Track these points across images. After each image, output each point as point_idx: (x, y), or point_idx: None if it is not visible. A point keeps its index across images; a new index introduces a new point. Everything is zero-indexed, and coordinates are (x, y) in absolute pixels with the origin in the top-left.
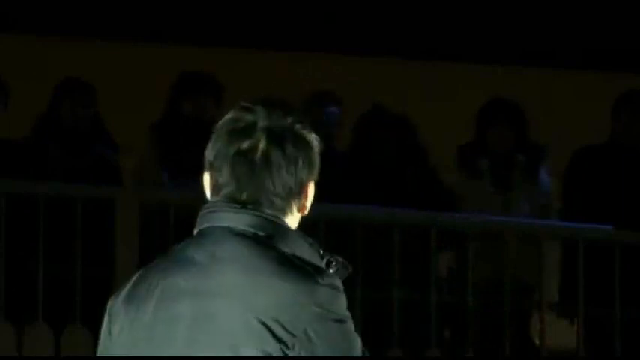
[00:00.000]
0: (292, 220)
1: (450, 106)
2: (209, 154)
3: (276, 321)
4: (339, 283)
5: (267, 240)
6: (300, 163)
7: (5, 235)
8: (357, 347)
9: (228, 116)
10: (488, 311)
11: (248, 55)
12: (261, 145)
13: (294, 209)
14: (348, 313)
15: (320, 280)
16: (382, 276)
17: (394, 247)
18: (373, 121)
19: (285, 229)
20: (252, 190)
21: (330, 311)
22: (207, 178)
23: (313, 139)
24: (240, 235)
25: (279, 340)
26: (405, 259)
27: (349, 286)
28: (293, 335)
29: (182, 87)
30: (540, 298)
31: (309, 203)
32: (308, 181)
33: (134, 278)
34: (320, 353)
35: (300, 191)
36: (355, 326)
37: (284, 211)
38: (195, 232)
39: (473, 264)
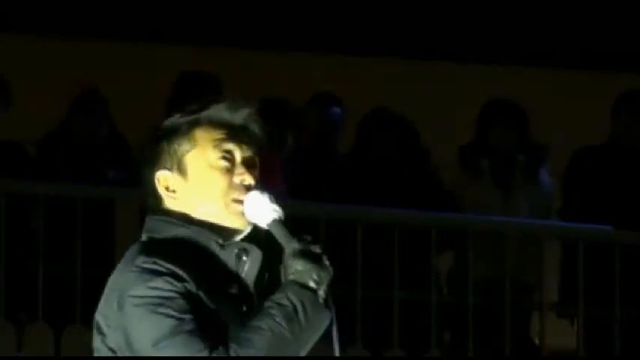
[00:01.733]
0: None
1: (450, 106)
2: None
3: (100, 313)
4: (156, 266)
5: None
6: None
7: (5, 235)
8: (160, 330)
9: None
10: (488, 311)
11: (248, 55)
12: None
13: (167, 200)
14: (159, 294)
15: (131, 267)
16: (382, 276)
17: (394, 247)
18: (375, 122)
19: (153, 220)
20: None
21: (131, 296)
22: None
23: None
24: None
25: (100, 332)
26: (405, 259)
27: (350, 286)
28: (108, 326)
29: (182, 87)
30: (540, 298)
31: (175, 188)
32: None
33: None
34: (131, 338)
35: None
36: (355, 326)
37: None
38: None
39: (473, 264)
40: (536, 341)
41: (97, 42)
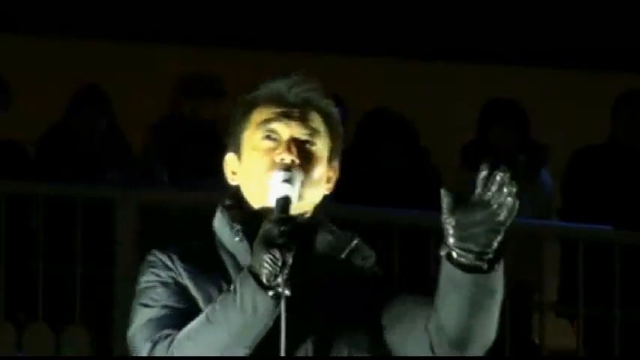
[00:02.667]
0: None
1: (450, 106)
2: None
3: None
4: (150, 257)
5: None
6: None
7: (5, 235)
8: (134, 318)
9: None
10: None
11: (248, 55)
12: None
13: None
14: (144, 286)
15: None
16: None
17: (394, 247)
18: (375, 122)
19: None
20: None
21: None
22: None
23: None
24: None
25: None
26: (404, 260)
27: None
28: None
29: (182, 87)
30: (540, 298)
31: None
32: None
33: None
34: None
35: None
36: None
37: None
38: None
39: None
40: (536, 341)
41: (97, 42)
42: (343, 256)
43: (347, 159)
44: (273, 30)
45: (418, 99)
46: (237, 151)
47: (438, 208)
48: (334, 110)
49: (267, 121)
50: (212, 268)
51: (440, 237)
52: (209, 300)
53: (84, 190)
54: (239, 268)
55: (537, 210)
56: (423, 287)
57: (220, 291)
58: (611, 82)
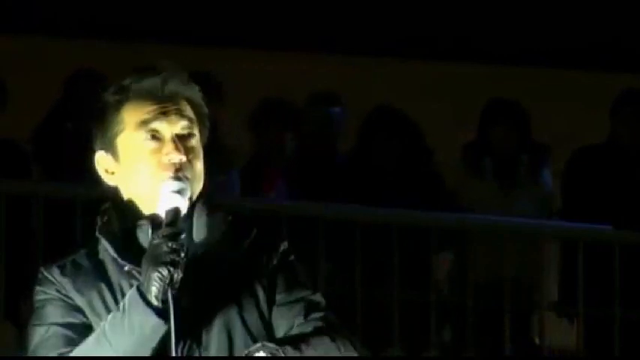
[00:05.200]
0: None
1: (450, 106)
2: None
3: None
4: (39, 274)
5: None
6: None
7: (5, 235)
8: (29, 340)
9: None
10: (488, 311)
11: (248, 55)
12: None
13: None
14: (35, 306)
15: None
16: (382, 276)
17: (394, 247)
18: (378, 123)
19: None
20: None
21: None
22: None
23: None
24: None
25: None
26: (404, 260)
27: (349, 286)
28: None
29: None
30: (540, 298)
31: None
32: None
33: None
34: None
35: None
36: (355, 326)
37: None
38: None
39: (473, 264)
40: (537, 341)
41: (97, 42)
42: (243, 249)
43: (348, 159)
44: (272, 30)
45: (418, 99)
46: (112, 151)
47: (438, 208)
48: (198, 94)
49: (147, 121)
50: (94, 275)
51: (440, 237)
52: (92, 308)
53: (84, 190)
54: (121, 271)
55: (537, 210)
56: (423, 285)
57: (102, 297)
58: (611, 82)
